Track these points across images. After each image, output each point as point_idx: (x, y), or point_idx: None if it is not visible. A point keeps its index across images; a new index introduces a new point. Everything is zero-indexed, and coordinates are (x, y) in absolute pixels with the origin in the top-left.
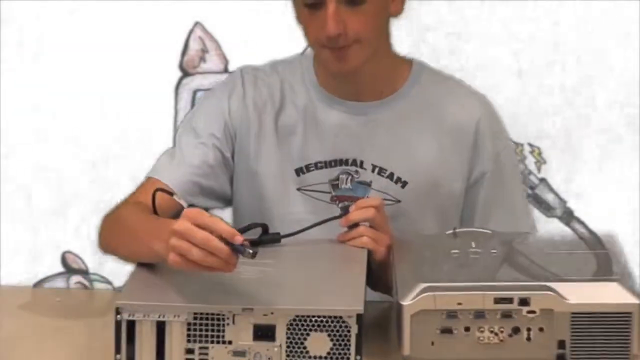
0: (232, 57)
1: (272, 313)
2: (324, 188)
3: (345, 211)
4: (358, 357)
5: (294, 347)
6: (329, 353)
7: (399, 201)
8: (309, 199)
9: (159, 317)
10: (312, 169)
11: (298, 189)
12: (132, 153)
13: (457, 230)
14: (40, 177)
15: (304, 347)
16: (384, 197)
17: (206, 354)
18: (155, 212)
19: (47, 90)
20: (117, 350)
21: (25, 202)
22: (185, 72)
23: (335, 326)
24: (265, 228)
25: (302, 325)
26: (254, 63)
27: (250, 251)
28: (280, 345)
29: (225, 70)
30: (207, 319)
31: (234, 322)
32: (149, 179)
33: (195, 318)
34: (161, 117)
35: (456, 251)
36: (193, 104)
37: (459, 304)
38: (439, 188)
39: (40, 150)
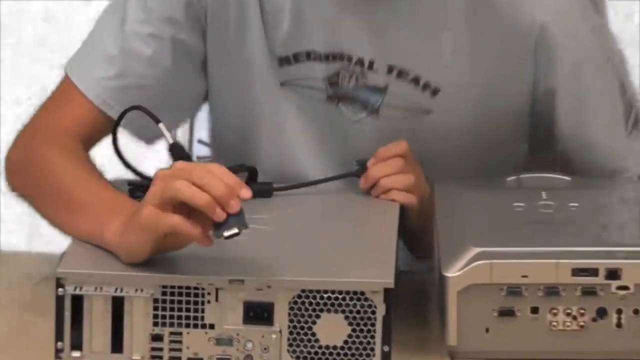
0: None
1: (269, 287)
2: (318, 84)
3: (362, 166)
4: (386, 348)
5: (298, 334)
6: (346, 342)
7: (428, 112)
8: (297, 97)
9: (115, 290)
10: (302, 59)
11: (282, 84)
12: (130, 155)
13: (522, 175)
14: None
15: (313, 334)
16: (406, 106)
17: (179, 341)
18: (116, 148)
19: (46, 89)
20: (59, 336)
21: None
22: None
23: (355, 305)
24: (253, 173)
25: (310, 303)
26: None
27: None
28: (280, 331)
29: None
30: (180, 294)
31: (217, 299)
32: (67, 82)
33: (164, 293)
34: None
35: (520, 204)
36: None
37: (524, 276)
38: (487, 105)
39: None
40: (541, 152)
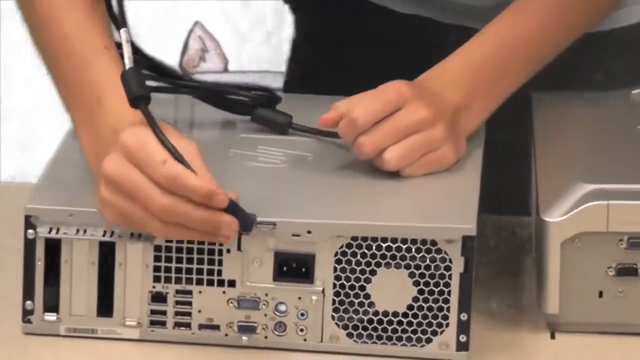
0: (232, 57)
1: (309, 232)
2: None
3: None
4: (464, 316)
5: (347, 295)
6: (410, 307)
7: None
8: None
9: (104, 234)
10: None
11: None
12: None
13: None
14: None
15: (366, 296)
16: None
17: (189, 302)
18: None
19: (45, 87)
20: (28, 293)
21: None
22: (185, 72)
23: (423, 259)
24: (273, 101)
25: (364, 255)
26: (254, 63)
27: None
28: (323, 291)
29: (225, 70)
30: (191, 241)
31: (239, 248)
32: None
33: (169, 239)
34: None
35: None
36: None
37: None
38: None
39: (40, 149)
40: None
